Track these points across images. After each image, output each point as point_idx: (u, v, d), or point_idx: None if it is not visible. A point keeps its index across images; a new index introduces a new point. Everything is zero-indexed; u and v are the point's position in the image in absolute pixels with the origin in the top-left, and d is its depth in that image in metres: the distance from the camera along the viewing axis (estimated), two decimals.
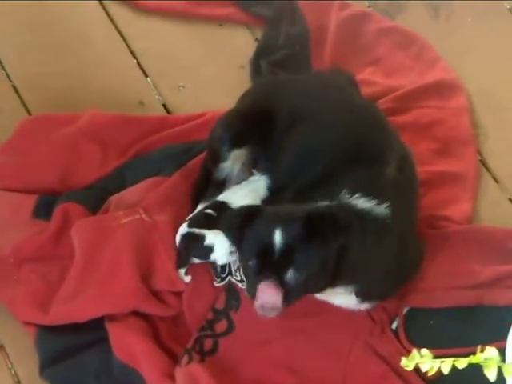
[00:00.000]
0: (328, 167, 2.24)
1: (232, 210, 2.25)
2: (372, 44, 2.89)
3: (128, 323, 2.35)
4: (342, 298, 2.27)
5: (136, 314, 2.37)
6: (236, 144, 2.41)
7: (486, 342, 1.75)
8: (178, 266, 2.39)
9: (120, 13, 2.98)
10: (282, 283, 2.04)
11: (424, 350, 1.61)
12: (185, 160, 2.61)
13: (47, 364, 2.33)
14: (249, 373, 2.31)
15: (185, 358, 2.30)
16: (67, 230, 2.49)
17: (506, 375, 1.59)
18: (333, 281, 2.14)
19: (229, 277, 2.42)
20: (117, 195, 2.58)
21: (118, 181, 2.63)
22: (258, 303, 2.07)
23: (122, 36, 2.95)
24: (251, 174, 2.51)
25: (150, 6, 2.98)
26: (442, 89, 2.78)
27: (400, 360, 1.64)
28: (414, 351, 1.61)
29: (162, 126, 2.73)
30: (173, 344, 2.36)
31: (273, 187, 2.39)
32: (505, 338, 1.92)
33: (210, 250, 2.37)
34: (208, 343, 2.33)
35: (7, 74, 2.89)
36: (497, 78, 2.83)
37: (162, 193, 2.54)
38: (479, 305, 2.34)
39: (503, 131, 2.74)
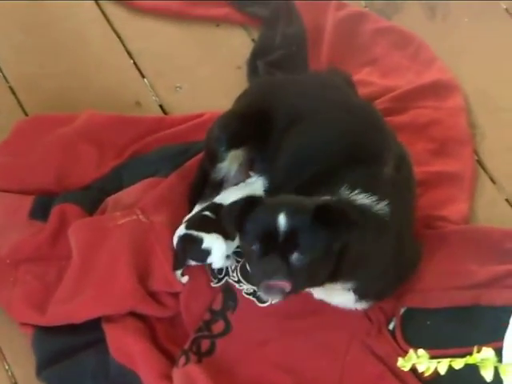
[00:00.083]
0: (326, 167, 2.24)
1: (231, 202, 2.25)
2: (369, 44, 2.89)
3: (125, 324, 2.35)
4: (340, 296, 2.27)
5: (133, 314, 2.37)
6: (233, 145, 2.41)
7: (482, 343, 1.75)
8: (175, 268, 2.39)
9: (116, 13, 2.98)
10: (287, 265, 2.04)
11: (421, 351, 1.61)
12: (182, 161, 2.61)
13: (44, 365, 2.33)
14: (246, 373, 2.31)
15: (182, 359, 2.30)
16: (64, 230, 2.49)
17: (502, 376, 1.59)
18: (333, 275, 2.13)
19: (226, 277, 2.43)
20: (114, 196, 2.57)
21: (114, 181, 2.63)
22: (263, 286, 2.07)
23: (118, 36, 2.95)
24: (248, 175, 2.51)
25: (146, 7, 2.98)
26: (439, 89, 2.78)
27: (397, 360, 1.64)
28: (411, 352, 1.61)
29: (158, 126, 2.73)
30: (170, 345, 2.36)
31: (270, 188, 2.39)
32: (502, 338, 1.92)
33: (207, 253, 2.38)
34: (205, 344, 2.33)
35: (3, 75, 2.89)
36: (493, 78, 2.83)
37: (158, 193, 2.54)
38: (476, 305, 2.34)
39: (500, 131, 2.74)
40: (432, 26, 2.95)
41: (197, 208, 2.49)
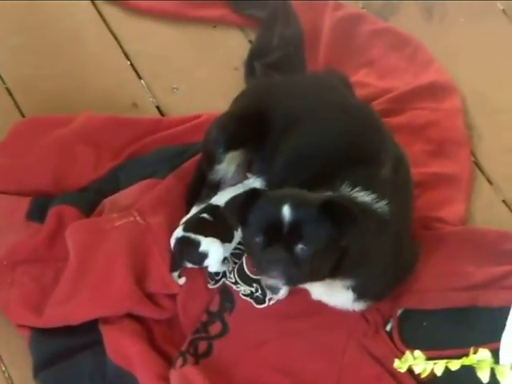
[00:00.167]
0: (324, 168, 2.24)
1: (234, 195, 2.25)
2: (366, 45, 2.89)
3: (122, 326, 2.35)
4: (338, 296, 2.27)
5: (130, 316, 2.37)
6: (231, 146, 2.41)
7: (479, 344, 1.76)
8: (172, 270, 2.39)
9: (113, 14, 2.98)
10: (291, 256, 2.04)
11: (417, 352, 1.61)
12: (179, 162, 2.61)
13: (41, 367, 2.33)
14: (243, 375, 2.31)
15: (179, 361, 2.30)
16: (61, 232, 2.49)
17: (499, 377, 1.59)
18: (334, 271, 2.13)
19: (223, 279, 2.43)
20: (111, 197, 2.57)
21: (111, 183, 2.63)
22: (267, 277, 2.08)
23: (115, 38, 2.95)
24: (246, 177, 2.51)
25: (143, 8, 2.98)
26: (436, 90, 2.78)
27: (394, 361, 1.64)
28: (407, 353, 1.61)
29: (155, 128, 2.73)
30: (167, 346, 2.36)
31: (268, 189, 2.39)
32: (498, 339, 1.91)
33: (204, 256, 2.38)
34: (202, 345, 2.33)
35: (0, 76, 2.89)
36: (491, 79, 2.83)
37: (156, 195, 2.54)
38: (473, 306, 2.34)
39: (497, 133, 2.74)
40: (429, 28, 2.95)
41: (194, 209, 2.49)
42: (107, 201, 2.56)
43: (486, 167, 2.70)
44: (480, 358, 1.58)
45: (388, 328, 2.34)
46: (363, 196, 2.17)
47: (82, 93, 2.83)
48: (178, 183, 2.57)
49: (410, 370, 1.65)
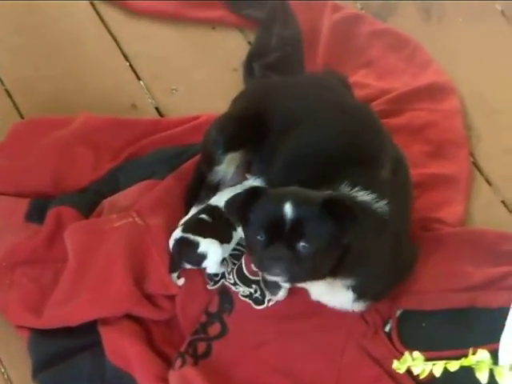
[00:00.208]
0: (323, 168, 2.24)
1: (234, 193, 2.25)
2: (365, 46, 2.89)
3: (121, 327, 2.35)
4: (338, 296, 2.27)
5: (129, 317, 2.37)
6: (230, 147, 2.41)
7: (478, 345, 1.76)
8: (171, 271, 2.39)
9: (112, 16, 2.98)
10: (293, 253, 2.04)
11: (416, 353, 1.61)
12: (178, 163, 2.61)
13: (40, 368, 2.33)
14: (242, 376, 2.31)
15: (178, 362, 2.30)
16: (60, 233, 2.49)
17: (497, 378, 1.59)
18: (335, 270, 2.14)
19: (222, 280, 2.43)
20: (110, 198, 2.57)
21: (111, 184, 2.63)
22: (269, 275, 2.09)
23: (114, 39, 2.95)
24: (245, 178, 2.51)
25: (142, 9, 2.97)
26: (435, 91, 2.78)
27: (393, 362, 1.64)
28: (406, 354, 1.61)
29: (154, 129, 2.73)
30: (166, 347, 2.36)
31: (268, 187, 2.39)
32: (497, 340, 1.91)
33: (203, 257, 2.38)
34: (201, 346, 2.33)
35: None
36: (489, 80, 2.83)
37: (155, 196, 2.54)
38: (472, 307, 2.34)
39: (496, 133, 2.74)
40: (427, 28, 2.95)
41: (193, 210, 2.49)
42: (106, 202, 2.56)
43: (485, 168, 2.70)
44: (479, 358, 1.58)
45: (387, 329, 2.34)
46: (363, 196, 2.17)
47: (81, 94, 2.83)
48: (177, 184, 2.57)
49: (409, 371, 1.65)
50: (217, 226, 2.41)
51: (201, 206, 2.49)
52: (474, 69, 2.86)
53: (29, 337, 2.37)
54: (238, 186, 2.50)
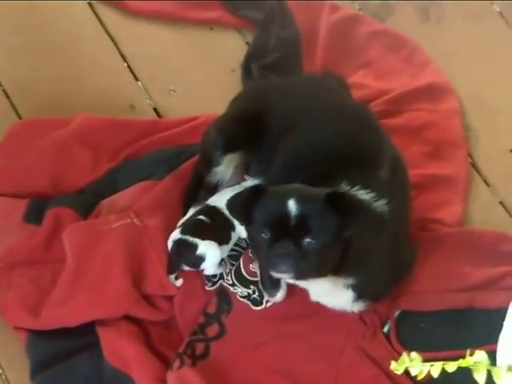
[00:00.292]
0: (321, 169, 2.24)
1: (236, 192, 2.25)
2: (363, 47, 2.89)
3: (119, 328, 2.35)
4: (339, 295, 2.27)
5: (127, 318, 2.37)
6: (229, 148, 2.41)
7: (477, 345, 1.76)
8: (169, 272, 2.39)
9: (110, 16, 2.98)
10: (299, 249, 2.04)
11: (414, 354, 1.61)
12: (176, 164, 2.61)
13: (38, 369, 2.33)
14: (241, 376, 2.31)
15: (176, 363, 2.30)
16: (58, 234, 2.49)
17: (495, 379, 1.59)
18: (337, 268, 2.14)
19: (220, 281, 2.42)
20: (108, 199, 2.57)
21: (109, 185, 2.63)
22: (276, 272, 2.08)
23: (112, 39, 2.95)
24: (243, 179, 2.51)
25: (140, 9, 2.97)
26: (433, 92, 2.79)
27: (391, 363, 1.64)
28: (404, 355, 1.61)
29: (153, 129, 2.73)
30: (164, 348, 2.36)
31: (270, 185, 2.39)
32: (496, 340, 1.92)
33: (201, 259, 2.38)
34: (200, 347, 2.33)
35: None
36: (488, 80, 2.83)
37: (153, 197, 2.53)
38: (470, 307, 2.34)
39: (494, 134, 2.74)
40: (426, 29, 2.95)
41: (191, 211, 2.49)
42: (104, 202, 2.56)
43: (483, 168, 2.70)
44: (477, 359, 1.58)
45: (385, 330, 2.34)
46: (362, 195, 2.17)
47: (79, 94, 2.83)
48: (176, 185, 2.57)
49: (407, 372, 1.65)
50: (215, 227, 2.41)
51: (199, 207, 2.48)
52: (472, 69, 2.86)
53: (27, 338, 2.36)
54: (236, 186, 2.50)
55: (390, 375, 2.24)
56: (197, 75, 2.87)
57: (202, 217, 2.44)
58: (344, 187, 2.16)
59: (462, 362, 1.56)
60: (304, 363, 2.31)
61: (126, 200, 2.55)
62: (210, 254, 2.37)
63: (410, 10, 2.98)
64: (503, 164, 2.70)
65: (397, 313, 2.36)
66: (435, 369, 1.59)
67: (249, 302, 2.39)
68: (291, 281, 2.23)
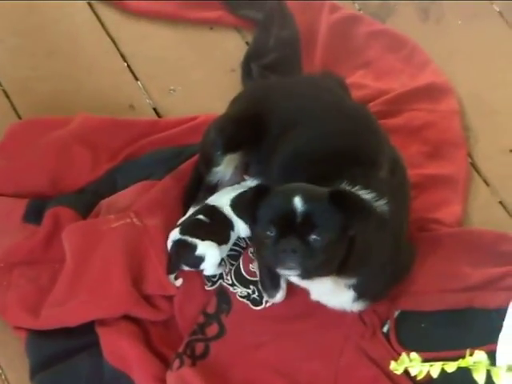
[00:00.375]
0: (321, 169, 2.24)
1: (240, 192, 2.24)
2: (363, 47, 2.89)
3: (119, 327, 2.35)
4: (340, 295, 2.27)
5: (127, 318, 2.37)
6: (229, 149, 2.41)
7: (476, 345, 1.76)
8: (169, 272, 2.39)
9: (110, 16, 2.98)
10: (306, 247, 2.04)
11: (413, 354, 1.61)
12: (176, 164, 2.61)
13: (38, 369, 2.33)
14: (240, 376, 2.31)
15: (176, 362, 2.30)
16: (58, 234, 2.49)
17: (495, 379, 1.59)
18: (340, 268, 2.14)
19: (220, 281, 2.42)
20: (108, 199, 2.57)
21: (108, 184, 2.63)
22: (283, 269, 2.08)
23: (112, 39, 2.95)
24: (243, 179, 2.51)
25: (140, 9, 2.97)
26: (433, 92, 2.79)
27: (390, 363, 1.64)
28: (404, 355, 1.61)
29: (152, 129, 2.73)
30: (164, 348, 2.35)
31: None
32: (495, 340, 1.92)
33: (201, 259, 2.38)
34: (199, 347, 2.33)
35: None
36: (487, 80, 2.84)
37: (153, 197, 2.53)
38: (470, 307, 2.34)
39: (493, 134, 2.74)
40: (425, 29, 2.95)
41: (191, 211, 2.49)
42: (104, 202, 2.56)
43: (483, 168, 2.70)
44: (476, 359, 1.58)
45: (385, 330, 2.34)
46: (363, 195, 2.17)
47: (78, 94, 2.83)
48: (175, 185, 2.56)
49: (406, 372, 1.66)
50: (214, 227, 2.41)
51: (198, 207, 2.49)
52: (471, 69, 2.86)
53: (26, 338, 2.36)
54: (236, 185, 2.50)
55: (390, 375, 2.23)
56: (196, 75, 2.87)
57: (201, 216, 2.44)
58: (345, 187, 2.16)
59: (461, 362, 1.56)
60: (303, 363, 2.31)
61: (126, 200, 2.55)
62: (210, 254, 2.37)
63: (410, 10, 2.98)
64: (503, 164, 2.70)
65: (396, 313, 2.36)
66: (435, 369, 1.59)
67: (248, 302, 2.39)
68: (295, 280, 2.23)
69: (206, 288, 2.42)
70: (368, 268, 2.22)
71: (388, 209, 2.19)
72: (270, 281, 2.34)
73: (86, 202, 2.58)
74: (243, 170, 2.51)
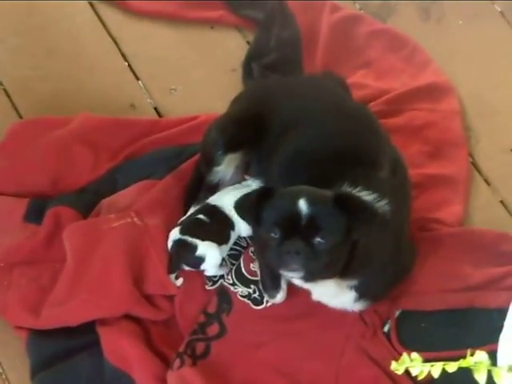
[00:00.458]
0: (322, 169, 2.24)
1: (243, 194, 2.25)
2: (363, 47, 2.89)
3: (120, 327, 2.35)
4: (341, 296, 2.27)
5: (128, 317, 2.37)
6: (230, 148, 2.41)
7: (477, 345, 1.76)
8: (169, 271, 2.39)
9: (111, 15, 2.98)
10: (310, 248, 2.04)
11: (414, 354, 1.61)
12: (177, 163, 2.61)
13: (38, 369, 2.33)
14: (241, 376, 2.31)
15: (177, 362, 2.30)
16: (58, 233, 2.49)
17: (495, 379, 1.59)
18: (343, 270, 2.14)
19: (221, 280, 2.42)
20: (108, 198, 2.57)
21: (109, 184, 2.63)
22: (287, 270, 2.09)
23: (113, 39, 2.95)
24: (244, 179, 2.51)
25: (141, 9, 2.97)
26: (434, 91, 2.78)
27: (391, 363, 1.64)
28: (404, 355, 1.61)
29: (153, 129, 2.73)
30: (165, 348, 2.35)
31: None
32: (496, 340, 1.92)
33: (201, 260, 2.38)
34: (200, 347, 2.33)
35: None
36: (488, 80, 2.84)
37: (153, 196, 2.53)
38: (471, 307, 2.34)
39: (494, 134, 2.74)
40: (426, 29, 2.95)
41: (191, 211, 2.49)
42: (105, 201, 2.56)
43: (484, 168, 2.70)
44: (477, 359, 1.58)
45: (386, 329, 2.34)
46: (364, 195, 2.17)
47: (79, 94, 2.83)
48: (176, 184, 2.57)
49: (407, 372, 1.66)
50: (214, 227, 2.41)
51: (199, 206, 2.49)
52: (472, 69, 2.86)
53: (27, 337, 2.36)
54: (237, 185, 2.50)
55: (391, 375, 2.24)
56: (197, 74, 2.87)
57: (201, 216, 2.44)
58: (346, 189, 2.16)
59: (462, 362, 1.56)
60: (304, 363, 2.31)
61: (127, 199, 2.55)
62: (210, 254, 2.37)
63: (411, 10, 2.98)
64: (504, 163, 2.70)
65: (397, 312, 2.36)
66: (436, 369, 1.59)
67: (249, 302, 2.39)
68: (298, 282, 2.23)
69: (207, 287, 2.42)
70: (369, 268, 2.22)
71: (389, 209, 2.19)
72: (271, 281, 2.34)
73: (87, 201, 2.59)
74: (244, 170, 2.51)
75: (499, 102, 2.79)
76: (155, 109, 2.84)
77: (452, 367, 1.58)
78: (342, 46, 2.87)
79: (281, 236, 2.05)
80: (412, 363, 1.59)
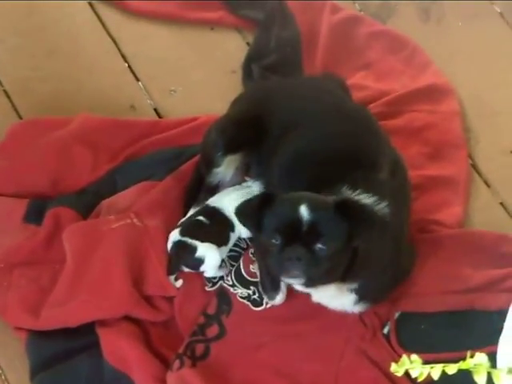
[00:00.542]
0: (322, 171, 2.23)
1: (244, 200, 2.25)
2: (363, 48, 2.89)
3: (119, 328, 2.35)
4: (341, 298, 2.27)
5: (127, 318, 2.37)
6: (230, 150, 2.41)
7: (477, 347, 1.77)
8: (169, 273, 2.39)
9: (111, 16, 2.98)
10: (311, 254, 2.04)
11: (414, 356, 1.61)
12: (176, 164, 2.61)
13: (38, 370, 2.32)
14: (241, 377, 2.31)
15: (176, 363, 2.30)
16: (58, 234, 2.49)
17: (495, 381, 1.59)
18: (344, 274, 2.14)
19: (220, 281, 2.42)
20: (108, 199, 2.57)
21: (109, 185, 2.63)
22: (287, 276, 2.09)
23: (113, 40, 2.95)
24: (244, 180, 2.51)
25: (141, 10, 2.97)
26: (434, 93, 2.78)
27: (391, 365, 1.64)
28: (404, 357, 1.61)
29: (153, 130, 2.73)
30: (164, 349, 2.35)
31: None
32: (496, 342, 1.92)
33: (201, 261, 2.38)
34: (199, 348, 2.33)
35: None
36: (488, 81, 2.84)
37: (153, 197, 2.53)
38: (471, 309, 2.34)
39: (494, 135, 2.74)
40: (426, 30, 2.95)
41: (191, 212, 2.49)
42: (105, 203, 2.56)
43: (484, 170, 2.70)
44: (477, 361, 1.58)
45: (385, 331, 2.34)
46: (364, 198, 2.17)
47: (79, 95, 2.83)
48: (176, 185, 2.57)
49: (407, 373, 1.66)
50: (214, 228, 2.41)
51: (199, 208, 2.49)
52: (472, 70, 2.86)
53: (27, 338, 2.36)
54: (237, 186, 2.50)
55: (390, 377, 2.23)
56: (197, 76, 2.87)
57: (201, 217, 2.44)
58: (346, 191, 2.16)
59: (462, 364, 1.56)
60: (304, 364, 2.31)
61: (126, 200, 2.55)
62: (209, 256, 2.37)
63: (411, 11, 2.98)
64: (504, 165, 2.70)
65: (397, 314, 2.35)
66: (435, 371, 1.59)
67: (249, 303, 2.39)
68: (299, 287, 2.23)
69: (207, 289, 2.42)
70: (369, 271, 2.22)
71: (389, 211, 2.19)
72: (270, 283, 2.34)
73: (87, 202, 2.59)
74: (244, 171, 2.51)
75: (499, 103, 2.79)
76: (155, 110, 2.84)
77: (452, 369, 1.58)
78: (341, 48, 2.87)
79: (282, 242, 2.05)
80: (412, 365, 1.59)
